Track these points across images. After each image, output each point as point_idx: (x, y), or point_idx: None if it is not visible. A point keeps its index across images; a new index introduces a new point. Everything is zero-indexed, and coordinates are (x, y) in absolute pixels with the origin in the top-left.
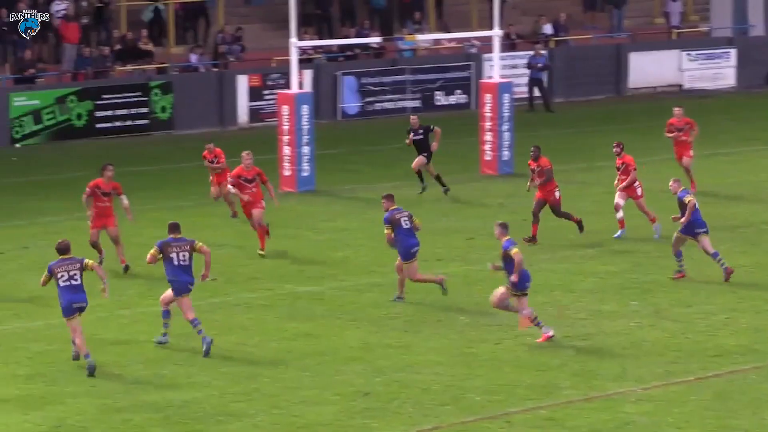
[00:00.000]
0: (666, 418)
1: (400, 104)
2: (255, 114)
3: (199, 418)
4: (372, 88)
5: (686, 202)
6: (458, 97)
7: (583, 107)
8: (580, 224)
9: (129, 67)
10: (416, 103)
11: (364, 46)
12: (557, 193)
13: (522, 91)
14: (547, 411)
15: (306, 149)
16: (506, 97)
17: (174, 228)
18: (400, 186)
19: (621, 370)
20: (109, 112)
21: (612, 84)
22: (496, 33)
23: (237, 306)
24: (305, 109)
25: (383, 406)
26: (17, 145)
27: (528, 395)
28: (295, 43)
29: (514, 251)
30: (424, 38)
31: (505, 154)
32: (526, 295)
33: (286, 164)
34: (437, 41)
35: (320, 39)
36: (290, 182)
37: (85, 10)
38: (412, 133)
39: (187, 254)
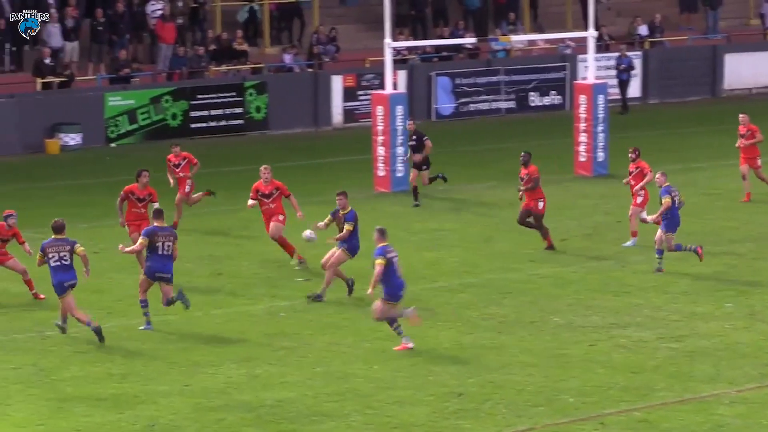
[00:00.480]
0: (760, 421)
1: (495, 105)
2: (349, 114)
3: (292, 418)
4: (466, 88)
5: (662, 202)
6: (553, 98)
7: (677, 108)
8: (550, 245)
9: (224, 68)
10: (511, 104)
11: (458, 47)
12: (540, 204)
13: (616, 92)
14: (641, 413)
15: (400, 150)
16: (601, 98)
17: (158, 215)
18: (495, 186)
19: (715, 372)
20: (204, 112)
21: (707, 85)
22: (591, 34)
23: (330, 305)
24: (399, 110)
25: (476, 407)
26: (112, 145)
27: (622, 397)
28: (389, 43)
29: (377, 261)
30: (519, 39)
31: (600, 155)
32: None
33: (381, 164)
34: (531, 42)
35: (414, 40)
36: (384, 182)
37: (181, 10)
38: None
39: (170, 245)
